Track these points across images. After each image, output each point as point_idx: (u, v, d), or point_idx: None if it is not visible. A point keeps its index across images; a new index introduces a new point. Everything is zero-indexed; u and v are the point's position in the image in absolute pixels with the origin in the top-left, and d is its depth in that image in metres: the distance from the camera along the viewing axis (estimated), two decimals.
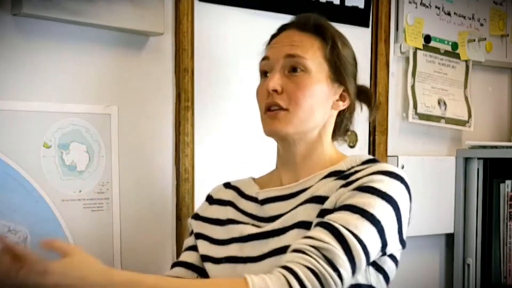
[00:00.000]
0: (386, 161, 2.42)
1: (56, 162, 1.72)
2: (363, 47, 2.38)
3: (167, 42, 1.92)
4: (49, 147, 1.71)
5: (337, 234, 1.26)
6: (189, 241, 1.59)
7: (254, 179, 1.59)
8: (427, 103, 2.53)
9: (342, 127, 1.54)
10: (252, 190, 1.53)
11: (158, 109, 1.92)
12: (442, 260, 2.66)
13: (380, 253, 1.35)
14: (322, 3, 2.23)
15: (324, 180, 1.42)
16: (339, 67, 1.46)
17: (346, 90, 1.48)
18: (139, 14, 1.79)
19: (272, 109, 1.43)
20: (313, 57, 1.44)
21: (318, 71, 1.44)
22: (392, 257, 1.41)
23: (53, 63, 1.73)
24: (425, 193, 2.50)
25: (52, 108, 1.71)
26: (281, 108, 1.42)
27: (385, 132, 2.43)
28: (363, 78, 2.37)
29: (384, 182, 1.34)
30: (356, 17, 2.33)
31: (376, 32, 2.39)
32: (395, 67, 2.47)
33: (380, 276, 1.39)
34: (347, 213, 1.29)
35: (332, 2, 2.25)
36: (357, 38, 2.34)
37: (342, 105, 1.49)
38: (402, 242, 1.39)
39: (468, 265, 2.56)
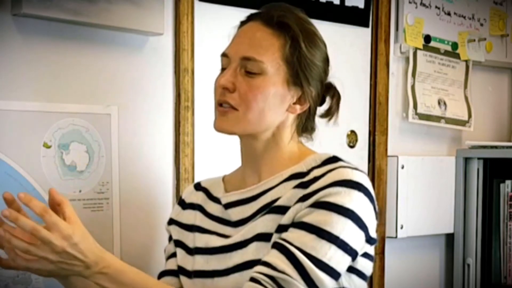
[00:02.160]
0: (386, 161, 2.42)
1: (56, 162, 1.72)
2: (363, 47, 2.38)
3: (167, 42, 1.92)
4: (49, 147, 1.71)
5: (293, 259, 1.26)
6: (170, 248, 1.56)
7: (224, 177, 1.56)
8: (427, 103, 2.53)
9: (303, 127, 1.48)
10: (218, 191, 1.51)
11: (158, 109, 1.92)
12: (442, 260, 2.66)
13: (352, 262, 1.34)
14: (322, 3, 2.23)
15: (285, 184, 1.40)
16: (299, 70, 1.40)
17: (304, 93, 1.42)
18: (139, 14, 1.79)
19: (223, 106, 1.41)
20: (271, 59, 1.38)
21: (275, 73, 1.39)
22: (364, 255, 1.39)
23: (53, 63, 1.73)
24: (425, 193, 2.51)
25: (52, 108, 1.71)
26: (231, 107, 1.40)
27: (385, 132, 2.43)
28: (363, 78, 2.40)
29: (341, 194, 1.31)
30: (356, 17, 2.33)
31: (376, 32, 2.39)
32: (395, 67, 2.47)
33: (353, 276, 1.38)
34: (303, 232, 1.29)
35: (332, 2, 2.25)
36: (357, 38, 2.36)
37: (300, 109, 1.44)
38: (371, 241, 1.38)
39: (468, 265, 2.56)
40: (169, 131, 1.94)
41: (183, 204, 1.58)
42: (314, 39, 1.44)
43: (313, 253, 1.27)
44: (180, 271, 1.50)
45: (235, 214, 1.44)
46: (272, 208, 1.38)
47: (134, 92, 1.87)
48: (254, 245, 1.36)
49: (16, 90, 1.67)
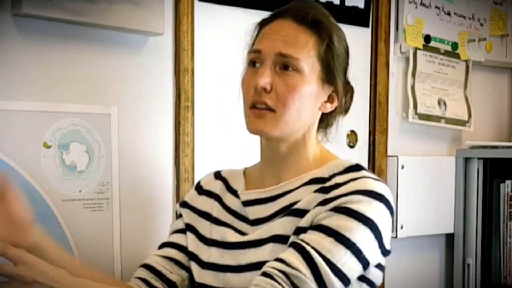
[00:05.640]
0: (386, 162, 2.42)
1: (56, 162, 1.72)
2: (363, 47, 2.38)
3: (167, 42, 1.92)
4: (49, 147, 1.71)
5: (308, 259, 1.25)
6: (178, 224, 1.54)
7: (245, 171, 1.53)
8: (427, 103, 2.53)
9: (323, 125, 1.48)
10: (238, 184, 1.49)
11: (158, 109, 1.92)
12: (442, 260, 2.66)
13: (363, 271, 1.33)
14: (322, 3, 2.23)
15: (305, 188, 1.39)
16: (332, 68, 1.40)
17: (335, 91, 1.42)
18: (139, 14, 1.79)
19: (258, 107, 1.37)
20: (307, 57, 1.37)
21: (310, 72, 1.38)
22: (377, 265, 1.38)
23: (53, 63, 1.73)
24: (425, 193, 2.51)
25: (52, 108, 1.71)
26: (267, 108, 1.36)
27: (385, 132, 2.43)
28: (363, 78, 2.39)
29: (362, 203, 1.30)
30: (356, 17, 2.33)
31: (376, 32, 2.39)
32: (395, 67, 2.47)
33: (364, 285, 1.37)
34: (321, 235, 1.28)
35: (332, 2, 2.25)
36: (357, 38, 2.36)
37: (330, 107, 1.44)
38: (385, 253, 1.37)
39: (468, 265, 2.56)
40: (169, 131, 1.94)
41: (199, 189, 1.56)
42: (341, 34, 1.44)
43: (329, 256, 1.26)
44: (191, 257, 1.49)
45: (253, 213, 1.43)
46: (291, 211, 1.37)
47: (134, 92, 1.87)
48: (270, 246, 1.36)
49: (16, 90, 1.67)
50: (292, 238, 1.32)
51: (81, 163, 1.76)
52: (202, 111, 1.98)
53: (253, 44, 1.45)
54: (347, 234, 1.27)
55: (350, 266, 1.28)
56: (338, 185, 1.34)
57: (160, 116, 1.92)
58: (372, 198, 1.31)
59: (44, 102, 1.71)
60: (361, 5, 2.33)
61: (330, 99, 1.43)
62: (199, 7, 1.97)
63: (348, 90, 1.47)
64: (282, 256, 1.27)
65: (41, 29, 1.70)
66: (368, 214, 1.29)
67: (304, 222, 1.33)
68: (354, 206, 1.30)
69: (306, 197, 1.36)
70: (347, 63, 1.45)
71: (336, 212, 1.29)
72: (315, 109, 1.42)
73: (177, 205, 1.59)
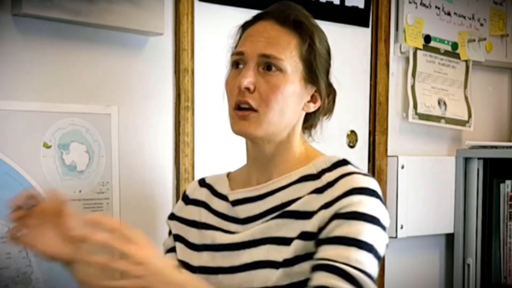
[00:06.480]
0: (386, 161, 2.42)
1: (56, 162, 1.72)
2: (363, 47, 2.39)
3: (167, 42, 1.92)
4: (49, 147, 1.71)
5: (346, 276, 1.26)
6: (169, 242, 1.55)
7: (229, 174, 1.54)
8: (427, 103, 2.53)
9: (308, 125, 1.49)
10: (224, 188, 1.50)
11: (158, 109, 1.92)
12: (442, 260, 2.66)
13: None
14: (322, 3, 2.23)
15: (295, 187, 1.40)
16: (314, 68, 1.41)
17: (318, 90, 1.44)
18: (139, 14, 1.79)
19: (241, 107, 1.38)
20: (289, 57, 1.38)
21: (293, 71, 1.39)
22: None
23: (53, 63, 1.73)
24: (425, 193, 2.51)
25: (52, 108, 1.72)
26: (251, 108, 1.37)
27: (385, 132, 2.43)
28: (363, 78, 2.40)
29: (363, 202, 1.32)
30: (356, 17, 2.33)
31: (376, 32, 2.40)
32: (395, 67, 2.48)
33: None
34: (342, 247, 1.28)
35: (332, 2, 2.25)
36: (357, 38, 2.36)
37: (313, 107, 1.45)
38: (387, 245, 1.40)
39: (468, 265, 2.56)
40: (169, 131, 1.94)
41: (186, 199, 1.56)
42: (322, 35, 1.45)
43: (359, 266, 1.27)
44: (181, 266, 1.48)
45: (243, 211, 1.43)
46: (287, 213, 1.37)
47: (134, 92, 1.87)
48: (266, 247, 1.36)
49: (16, 90, 1.67)
50: (299, 244, 1.32)
51: (81, 163, 1.76)
52: (202, 111, 1.98)
53: (236, 46, 1.46)
54: (364, 239, 1.29)
55: (374, 267, 1.30)
56: (330, 184, 1.35)
57: (160, 116, 1.92)
58: (369, 196, 1.33)
59: (44, 102, 1.71)
60: (361, 5, 2.33)
61: (313, 99, 1.44)
62: (199, 7, 1.97)
63: (331, 91, 1.48)
64: (321, 282, 1.27)
65: (41, 29, 1.70)
66: (372, 212, 1.32)
67: (310, 227, 1.33)
68: (357, 209, 1.31)
69: (302, 199, 1.37)
70: (329, 64, 1.47)
71: (345, 219, 1.31)
72: (298, 109, 1.43)
73: (167, 219, 1.59)
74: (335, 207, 1.32)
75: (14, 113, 1.66)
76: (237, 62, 1.42)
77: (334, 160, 1.42)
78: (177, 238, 1.52)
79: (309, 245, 1.32)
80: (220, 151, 2.02)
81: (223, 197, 1.48)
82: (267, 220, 1.39)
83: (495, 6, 2.76)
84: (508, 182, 2.56)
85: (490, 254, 2.57)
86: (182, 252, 1.50)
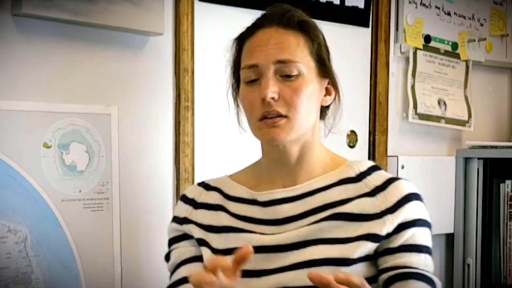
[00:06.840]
0: (386, 161, 2.43)
1: (56, 162, 1.72)
2: (363, 47, 2.39)
3: (167, 42, 1.92)
4: (49, 147, 1.71)
5: (430, 282, 1.36)
6: (185, 252, 1.46)
7: (231, 177, 1.51)
8: (427, 103, 2.53)
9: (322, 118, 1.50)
10: (236, 191, 1.46)
11: (158, 109, 1.92)
12: (442, 260, 2.66)
13: None
14: (322, 3, 2.23)
15: (336, 188, 1.40)
16: (325, 61, 1.43)
17: (330, 82, 1.45)
18: (139, 14, 1.79)
19: (270, 116, 1.36)
20: (302, 57, 1.39)
21: (308, 71, 1.39)
22: None
23: (53, 63, 1.73)
24: (425, 193, 2.47)
25: (52, 108, 1.72)
26: (279, 115, 1.36)
27: (385, 132, 2.43)
28: (363, 78, 2.40)
29: (419, 208, 1.41)
30: (356, 17, 2.33)
31: (376, 32, 2.40)
32: (395, 67, 2.48)
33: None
34: (422, 255, 1.38)
35: (332, 2, 2.25)
36: (357, 38, 2.36)
37: (330, 99, 1.46)
38: None
39: (468, 265, 2.56)
40: (169, 131, 1.94)
41: (193, 203, 1.49)
42: (317, 26, 1.47)
43: (430, 270, 1.38)
44: None
45: (281, 212, 1.40)
46: (339, 215, 1.37)
47: (134, 92, 1.87)
48: (320, 247, 1.35)
49: (16, 90, 1.67)
50: (366, 245, 1.35)
51: (81, 163, 1.76)
52: (202, 111, 1.98)
53: (237, 60, 1.45)
54: (428, 244, 1.40)
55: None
56: (379, 188, 1.40)
57: (160, 116, 1.92)
58: (419, 201, 1.42)
59: (44, 102, 1.71)
60: (361, 5, 2.33)
61: (328, 92, 1.46)
62: (199, 7, 1.97)
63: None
64: None
65: (41, 29, 1.70)
66: (426, 217, 1.42)
67: (378, 229, 1.36)
68: (420, 215, 1.40)
69: (352, 202, 1.39)
70: (329, 53, 1.49)
71: (414, 227, 1.38)
72: (319, 105, 1.44)
73: (173, 224, 1.50)
74: (400, 214, 1.38)
75: (14, 113, 1.66)
76: (251, 76, 1.40)
77: (369, 164, 1.46)
78: (202, 242, 1.45)
79: (373, 246, 1.36)
80: (220, 151, 2.02)
81: (243, 200, 1.45)
82: (316, 222, 1.38)
83: (495, 6, 2.76)
84: (508, 182, 2.56)
85: (490, 254, 2.57)
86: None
